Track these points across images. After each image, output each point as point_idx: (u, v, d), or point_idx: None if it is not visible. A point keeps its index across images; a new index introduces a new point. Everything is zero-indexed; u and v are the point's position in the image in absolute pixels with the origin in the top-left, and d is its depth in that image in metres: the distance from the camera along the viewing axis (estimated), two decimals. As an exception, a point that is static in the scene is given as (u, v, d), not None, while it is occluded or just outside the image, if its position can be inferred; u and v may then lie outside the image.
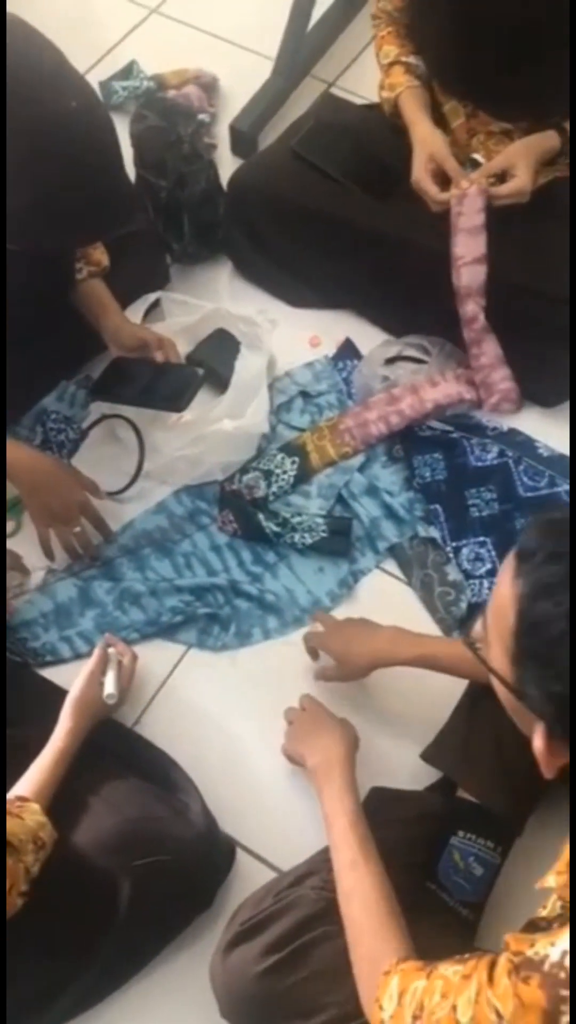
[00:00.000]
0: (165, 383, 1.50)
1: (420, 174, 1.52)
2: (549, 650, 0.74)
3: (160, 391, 1.49)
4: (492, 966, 0.75)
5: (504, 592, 0.79)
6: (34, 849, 1.06)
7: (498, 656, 0.81)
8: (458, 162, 1.53)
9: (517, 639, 0.77)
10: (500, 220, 1.51)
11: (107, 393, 1.55)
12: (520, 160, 1.46)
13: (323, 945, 1.07)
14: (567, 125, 1.49)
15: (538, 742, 0.78)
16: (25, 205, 1.07)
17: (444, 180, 1.52)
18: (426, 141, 1.51)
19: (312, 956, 1.07)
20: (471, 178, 1.49)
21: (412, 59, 1.55)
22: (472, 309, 1.56)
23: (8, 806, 1.09)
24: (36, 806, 1.11)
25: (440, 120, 1.58)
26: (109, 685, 1.29)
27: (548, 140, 1.48)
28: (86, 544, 1.46)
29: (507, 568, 0.80)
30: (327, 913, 1.08)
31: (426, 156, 1.51)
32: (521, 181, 1.45)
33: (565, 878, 0.76)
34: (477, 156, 1.54)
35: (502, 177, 1.49)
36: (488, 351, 1.59)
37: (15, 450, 1.41)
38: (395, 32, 1.57)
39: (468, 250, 1.51)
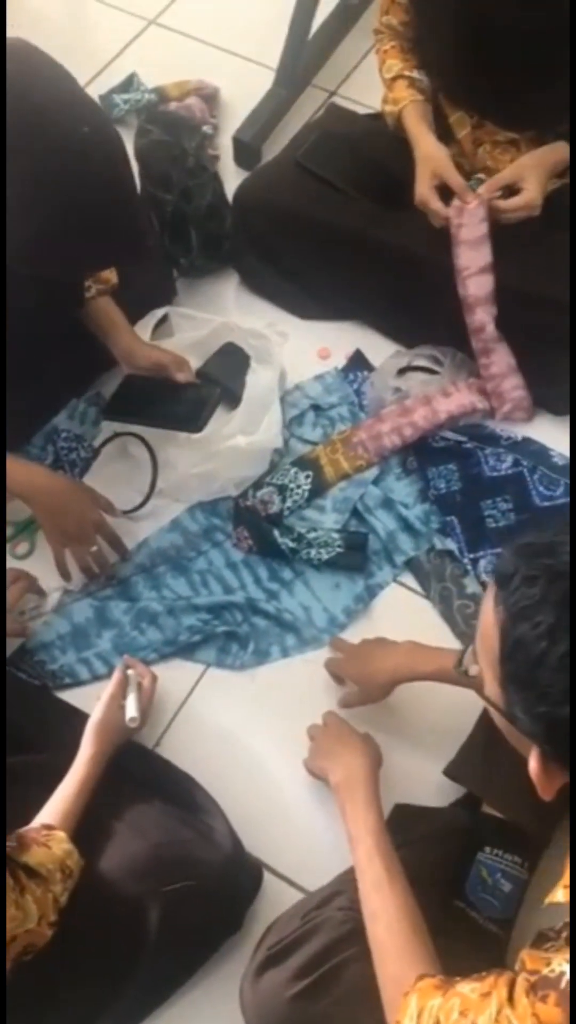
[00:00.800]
0: (180, 402, 1.49)
1: (424, 191, 1.51)
2: (531, 672, 0.74)
3: (176, 411, 1.48)
4: (512, 985, 0.75)
5: (487, 619, 0.80)
6: (62, 878, 1.05)
7: (489, 682, 0.82)
8: (465, 174, 1.52)
9: (502, 664, 0.77)
10: (508, 228, 1.50)
11: (121, 413, 1.54)
12: (530, 173, 1.45)
13: (352, 967, 1.06)
14: None
15: (533, 764, 0.79)
16: (36, 233, 1.07)
17: (449, 195, 1.51)
18: (430, 157, 1.50)
19: (342, 979, 1.06)
20: (476, 193, 1.48)
21: (415, 73, 1.54)
22: (480, 319, 1.55)
23: (35, 835, 1.09)
24: (62, 834, 1.10)
25: (446, 131, 1.57)
26: (131, 708, 1.28)
27: (558, 152, 1.47)
28: (102, 563, 1.45)
29: (488, 595, 0.81)
30: (355, 934, 1.07)
31: (430, 173, 1.50)
32: (530, 195, 1.44)
33: None
34: (481, 176, 1.52)
35: (509, 190, 1.48)
36: (498, 360, 1.59)
37: (29, 471, 1.40)
38: (398, 47, 1.56)
39: (472, 261, 1.51)
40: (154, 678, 1.36)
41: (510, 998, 0.74)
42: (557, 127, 1.50)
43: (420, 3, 1.48)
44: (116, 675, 1.33)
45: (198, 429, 1.45)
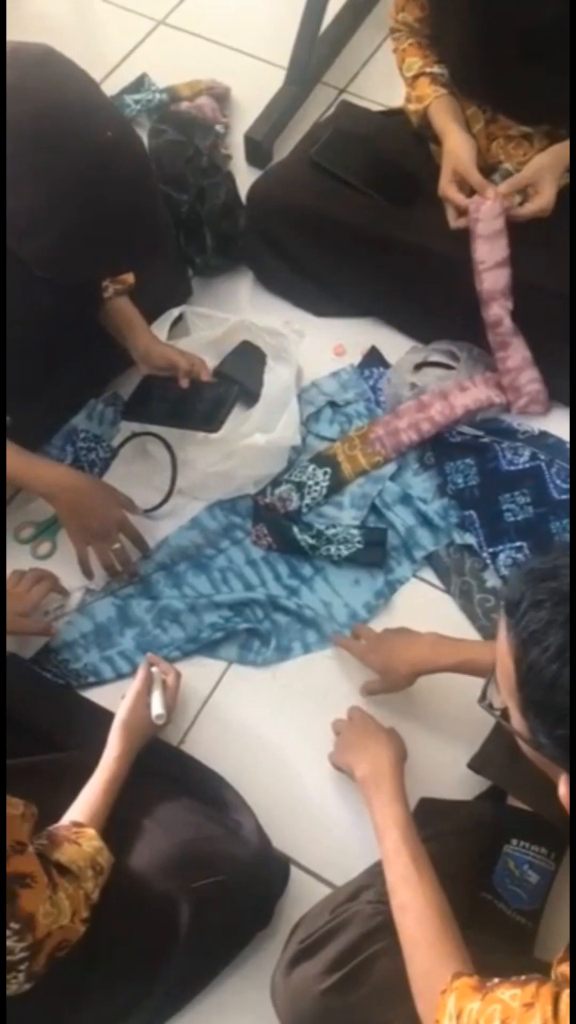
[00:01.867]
0: (198, 402, 1.49)
1: (445, 186, 1.51)
2: (547, 696, 0.75)
3: (194, 411, 1.49)
4: (556, 1000, 0.75)
5: (502, 648, 0.81)
6: (93, 875, 1.06)
7: (513, 712, 0.82)
8: (480, 169, 1.52)
9: (519, 691, 0.78)
10: (525, 222, 1.50)
11: (139, 414, 1.55)
12: (546, 174, 1.45)
13: (383, 960, 1.07)
14: None
15: (562, 789, 0.79)
16: (61, 239, 1.07)
17: (472, 191, 1.51)
18: (453, 152, 1.50)
19: (373, 972, 1.07)
20: (497, 191, 1.48)
21: (436, 68, 1.54)
22: (496, 313, 1.55)
23: (65, 832, 1.10)
24: (92, 831, 1.11)
25: (461, 126, 1.58)
26: (157, 706, 1.29)
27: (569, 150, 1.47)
28: (125, 561, 1.46)
29: (500, 624, 0.81)
30: (385, 928, 1.08)
31: (451, 170, 1.50)
32: (544, 198, 1.45)
33: None
34: (507, 166, 1.53)
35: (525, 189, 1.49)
36: (515, 354, 1.59)
37: (52, 470, 1.41)
38: (416, 44, 1.56)
39: (488, 256, 1.51)
40: (178, 675, 1.37)
41: (555, 1014, 0.74)
42: (570, 119, 1.50)
43: None
44: (141, 673, 1.34)
45: (216, 429, 1.46)
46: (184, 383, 1.50)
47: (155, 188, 1.14)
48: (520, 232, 1.50)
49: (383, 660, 1.32)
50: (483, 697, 0.92)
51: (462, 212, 1.52)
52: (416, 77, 1.55)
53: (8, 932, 0.91)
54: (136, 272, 1.45)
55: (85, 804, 1.16)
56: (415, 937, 1.01)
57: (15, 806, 0.93)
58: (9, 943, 0.91)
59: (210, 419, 1.47)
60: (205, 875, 1.13)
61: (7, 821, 0.90)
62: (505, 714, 0.85)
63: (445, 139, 1.53)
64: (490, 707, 0.90)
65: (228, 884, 1.14)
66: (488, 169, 1.55)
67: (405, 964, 1.00)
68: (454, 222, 1.53)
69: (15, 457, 1.37)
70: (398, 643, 1.32)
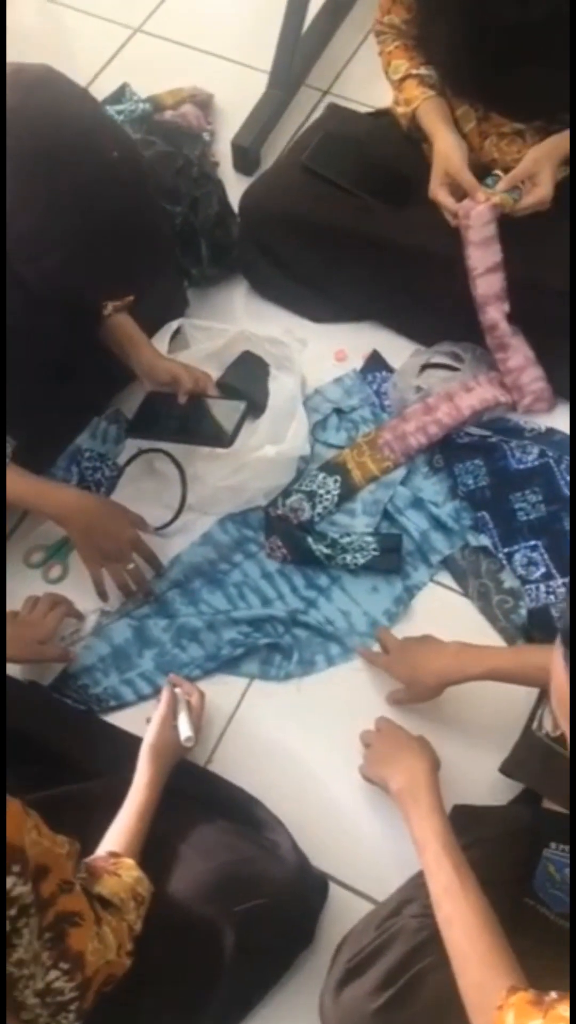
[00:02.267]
0: (206, 417, 1.47)
1: (435, 189, 1.50)
2: None
3: (202, 426, 1.47)
4: None
5: (559, 681, 0.80)
6: (135, 906, 1.04)
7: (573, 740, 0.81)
8: (474, 168, 1.51)
9: None
10: (521, 219, 1.49)
11: (146, 431, 1.53)
12: (543, 166, 1.44)
13: (433, 975, 1.06)
14: None
15: None
16: (70, 259, 1.06)
17: (463, 192, 1.50)
18: (443, 154, 1.49)
19: (424, 988, 1.06)
20: (488, 192, 1.47)
21: (424, 70, 1.53)
22: (492, 316, 1.55)
23: (103, 863, 1.08)
24: (130, 861, 1.09)
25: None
26: (185, 728, 1.27)
27: (566, 141, 1.47)
28: (140, 580, 1.44)
29: (556, 656, 0.81)
30: (431, 941, 1.07)
31: (442, 171, 1.49)
32: (543, 190, 1.44)
33: None
34: (499, 173, 1.51)
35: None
36: (515, 355, 1.58)
37: (62, 493, 1.39)
38: (403, 45, 1.55)
39: (480, 262, 1.50)
40: (201, 695, 1.36)
41: None
42: (562, 116, 1.49)
43: None
44: (165, 695, 1.32)
45: (229, 443, 1.44)
46: (183, 399, 1.47)
47: (160, 207, 1.13)
48: (519, 229, 1.49)
49: (408, 671, 1.32)
50: (539, 726, 0.91)
51: (453, 214, 1.51)
52: (403, 80, 1.54)
53: (58, 973, 0.90)
54: (141, 289, 1.43)
55: (119, 833, 1.15)
56: (464, 950, 1.00)
57: (60, 844, 0.91)
58: (59, 983, 0.90)
59: (220, 433, 1.45)
60: (246, 898, 1.12)
61: (55, 860, 0.88)
62: (561, 739, 0.84)
63: (435, 141, 1.52)
64: (547, 736, 0.89)
65: (270, 906, 1.12)
66: (482, 168, 1.54)
67: (455, 977, 0.99)
68: (453, 221, 1.52)
69: (23, 481, 1.35)
70: (423, 653, 1.31)
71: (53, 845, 0.89)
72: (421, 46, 1.55)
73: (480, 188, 1.48)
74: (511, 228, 1.49)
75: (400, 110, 1.56)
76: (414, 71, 1.53)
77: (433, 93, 1.53)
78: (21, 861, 0.81)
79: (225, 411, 1.47)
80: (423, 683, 1.30)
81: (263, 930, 1.12)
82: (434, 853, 1.08)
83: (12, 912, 0.81)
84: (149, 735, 1.26)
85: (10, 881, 0.80)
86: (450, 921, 1.02)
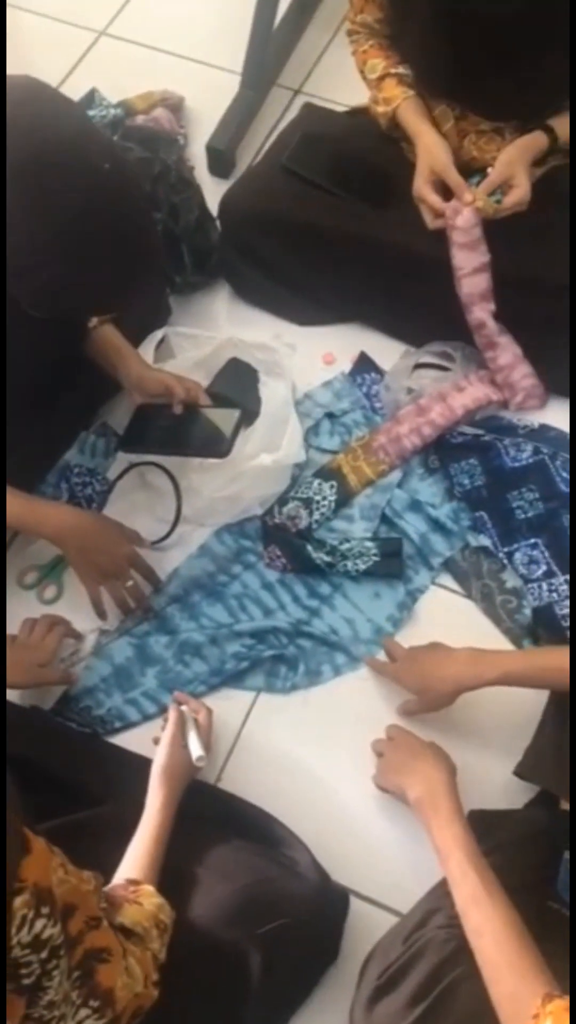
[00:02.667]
0: (199, 427, 1.44)
1: (420, 185, 1.49)
2: None
3: (196, 436, 1.44)
4: None
5: None
6: (158, 934, 1.02)
7: None
8: (457, 166, 1.50)
9: None
10: (502, 220, 1.48)
11: (138, 445, 1.49)
12: (518, 168, 1.44)
13: (465, 986, 1.04)
14: (555, 122, 1.47)
15: None
16: (62, 275, 1.02)
17: (447, 190, 1.49)
18: (428, 152, 1.48)
19: (456, 1000, 1.05)
20: (474, 193, 1.45)
21: (401, 69, 1.51)
22: (478, 316, 1.54)
23: (122, 892, 1.05)
24: (150, 888, 1.07)
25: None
26: (196, 747, 1.25)
27: (538, 140, 1.46)
28: (139, 597, 1.41)
29: None
30: (460, 952, 1.06)
31: (428, 169, 1.48)
32: (521, 191, 1.44)
33: None
34: (489, 169, 1.51)
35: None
36: (503, 353, 1.57)
37: (56, 512, 1.36)
38: (377, 45, 1.53)
39: (466, 262, 1.49)
40: (209, 712, 1.33)
41: None
42: (540, 114, 1.49)
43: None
44: (172, 715, 1.29)
45: (226, 453, 1.41)
46: (178, 409, 1.45)
47: (151, 218, 1.10)
48: (499, 231, 1.48)
49: (420, 680, 1.30)
50: None
51: (438, 213, 1.49)
52: (382, 79, 1.52)
53: (88, 1011, 0.87)
54: (136, 302, 1.40)
55: (136, 859, 1.12)
56: (495, 960, 0.98)
57: (86, 881, 0.88)
58: (89, 1022, 0.87)
59: (217, 443, 1.42)
60: (270, 919, 1.09)
61: (82, 897, 0.86)
62: None
63: (419, 139, 1.50)
64: None
65: (293, 925, 1.10)
66: (462, 166, 1.52)
67: (487, 987, 0.98)
68: (431, 223, 1.51)
69: (16, 502, 1.32)
70: (433, 661, 1.29)
71: (80, 882, 0.86)
72: (395, 45, 1.53)
73: (467, 187, 1.46)
74: (496, 229, 1.48)
75: (380, 109, 1.54)
76: (392, 70, 1.51)
77: (413, 92, 1.51)
78: (50, 903, 0.79)
79: (219, 420, 1.45)
80: (436, 691, 1.28)
81: (288, 950, 1.10)
82: (458, 862, 1.07)
83: (43, 955, 0.78)
84: (159, 757, 1.23)
85: (40, 924, 0.77)
86: (479, 931, 1.01)
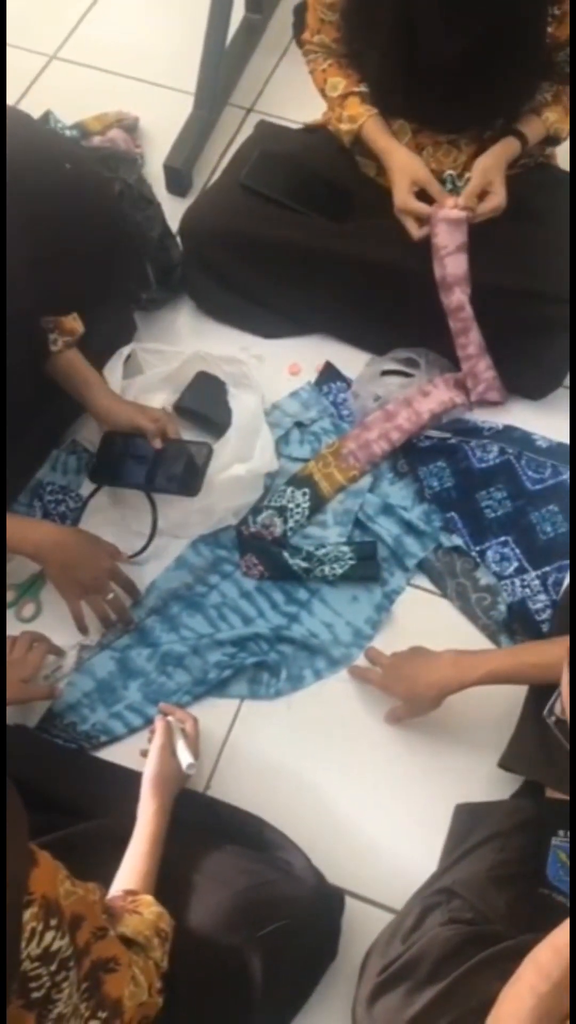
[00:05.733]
0: (172, 462, 1.45)
1: (405, 198, 1.51)
2: None
3: (167, 475, 1.45)
4: None
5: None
6: (159, 942, 1.02)
7: None
8: None
9: None
10: (475, 225, 1.51)
11: (110, 478, 1.50)
12: (495, 175, 1.48)
13: (468, 981, 1.06)
14: (524, 127, 1.51)
15: None
16: (30, 268, 1.03)
17: (427, 201, 1.52)
18: (407, 166, 1.51)
19: (459, 995, 1.06)
20: (455, 198, 1.49)
21: (363, 87, 1.55)
22: (459, 298, 1.55)
23: (121, 903, 1.05)
24: (148, 897, 1.07)
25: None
26: (185, 755, 1.25)
27: (511, 147, 1.51)
28: (120, 610, 1.42)
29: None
30: (463, 948, 1.07)
31: (408, 181, 1.50)
32: (499, 197, 1.48)
33: None
34: (451, 172, 1.55)
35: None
36: (474, 340, 1.60)
37: (36, 528, 1.37)
38: (336, 63, 1.56)
39: (450, 239, 1.51)
40: (195, 721, 1.33)
41: None
42: (494, 123, 1.53)
43: (352, 21, 1.48)
44: (159, 725, 1.29)
45: (196, 491, 1.43)
46: (157, 444, 1.44)
47: (120, 212, 1.11)
48: (472, 235, 1.51)
49: (406, 687, 1.32)
50: (550, 713, 0.92)
51: (423, 221, 1.52)
52: (345, 97, 1.55)
53: (97, 1022, 0.87)
54: (83, 315, 1.39)
55: (132, 869, 1.12)
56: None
57: (92, 891, 0.88)
58: None
59: (186, 481, 1.43)
60: (268, 922, 1.09)
61: (88, 908, 0.86)
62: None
63: (391, 155, 1.53)
64: (558, 721, 0.90)
65: (292, 927, 1.11)
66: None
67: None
68: (416, 232, 1.53)
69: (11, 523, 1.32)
70: (417, 666, 1.32)
71: (86, 893, 0.86)
72: (353, 65, 1.57)
73: (448, 196, 1.50)
74: (470, 235, 1.51)
75: (344, 127, 1.57)
76: (354, 88, 1.55)
77: (376, 111, 1.54)
78: (58, 914, 0.79)
79: (190, 456, 1.45)
80: (423, 696, 1.30)
81: (288, 952, 1.10)
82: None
83: (53, 967, 0.78)
84: (150, 766, 1.23)
85: (49, 936, 0.77)
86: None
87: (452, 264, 1.52)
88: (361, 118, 1.54)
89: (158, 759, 1.24)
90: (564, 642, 1.19)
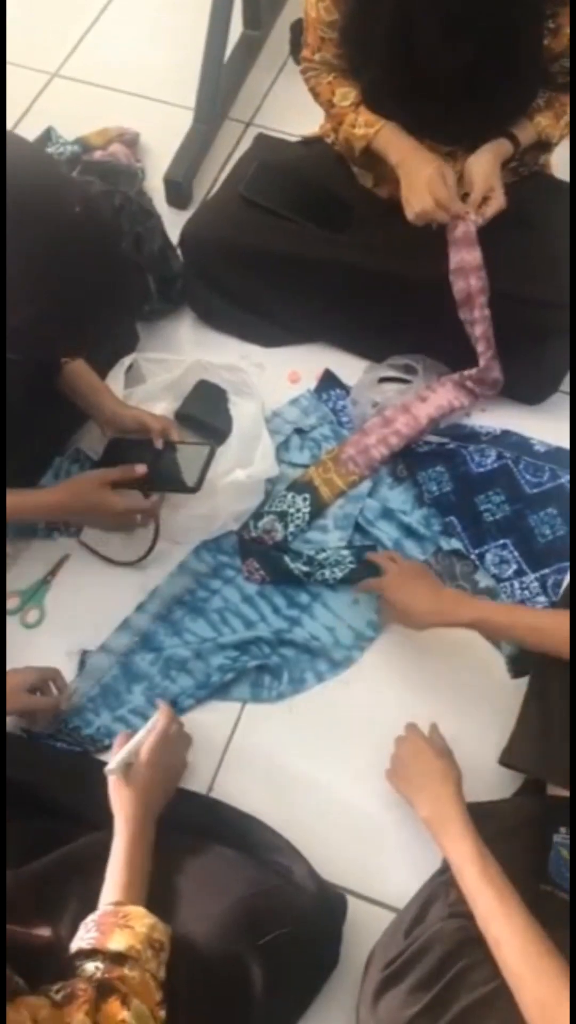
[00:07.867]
0: (173, 464, 1.47)
1: (438, 187, 1.47)
2: None
3: (170, 473, 1.46)
4: None
5: None
6: (154, 954, 0.99)
7: None
8: None
9: None
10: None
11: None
12: (494, 180, 1.50)
13: (470, 977, 1.06)
14: (517, 130, 1.54)
15: None
16: (38, 318, 1.04)
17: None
18: (433, 166, 1.49)
19: (462, 990, 1.06)
20: (465, 209, 1.50)
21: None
22: (478, 284, 1.52)
23: (110, 918, 1.02)
24: (140, 909, 1.04)
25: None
26: (122, 754, 1.21)
27: (502, 149, 1.53)
28: (146, 508, 1.48)
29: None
30: (468, 943, 1.08)
31: (439, 175, 1.48)
32: (500, 199, 1.50)
33: None
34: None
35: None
36: (480, 326, 1.57)
37: (46, 492, 1.44)
38: (341, 76, 1.57)
39: (470, 256, 1.51)
40: (180, 724, 1.33)
41: None
42: (492, 135, 1.55)
43: (351, 38, 1.50)
44: (161, 716, 1.29)
45: (196, 488, 1.44)
46: (159, 443, 1.47)
47: (126, 257, 1.13)
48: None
49: (407, 602, 1.33)
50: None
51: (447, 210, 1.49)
52: (358, 105, 1.56)
53: None
54: (103, 336, 1.42)
55: (116, 880, 1.09)
56: (517, 970, 1.00)
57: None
58: None
59: (188, 479, 1.44)
60: (270, 929, 1.08)
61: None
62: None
63: (414, 155, 1.52)
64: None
65: (294, 934, 1.10)
66: None
67: (514, 996, 0.99)
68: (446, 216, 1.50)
69: (14, 498, 1.36)
70: (419, 587, 1.34)
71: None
72: (356, 78, 1.58)
73: (459, 202, 1.50)
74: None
75: (359, 131, 1.55)
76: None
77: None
78: None
79: (191, 455, 1.47)
80: (418, 613, 1.32)
81: (289, 959, 1.10)
82: (472, 878, 1.09)
83: None
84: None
85: None
86: (499, 943, 1.02)
87: (469, 255, 1.51)
88: (377, 124, 1.54)
89: (153, 745, 1.23)
90: (560, 614, 1.20)
